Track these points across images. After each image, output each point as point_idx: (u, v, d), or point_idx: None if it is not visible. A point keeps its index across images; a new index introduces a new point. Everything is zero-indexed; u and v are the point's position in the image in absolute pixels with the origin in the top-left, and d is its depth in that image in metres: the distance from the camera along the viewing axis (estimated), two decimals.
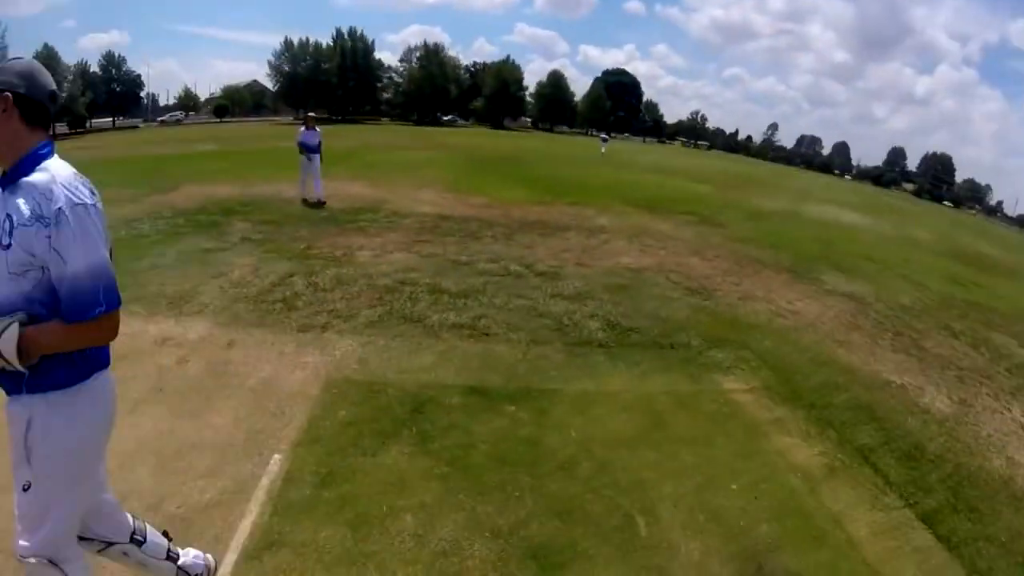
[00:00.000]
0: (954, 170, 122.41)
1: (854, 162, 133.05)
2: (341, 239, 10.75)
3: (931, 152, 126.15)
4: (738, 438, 5.36)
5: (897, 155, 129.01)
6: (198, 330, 6.69)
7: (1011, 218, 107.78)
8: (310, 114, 16.02)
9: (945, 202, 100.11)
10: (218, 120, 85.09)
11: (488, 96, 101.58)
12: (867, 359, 7.80)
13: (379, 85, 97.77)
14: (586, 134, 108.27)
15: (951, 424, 6.34)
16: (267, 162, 23.40)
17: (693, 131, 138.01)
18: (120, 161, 25.31)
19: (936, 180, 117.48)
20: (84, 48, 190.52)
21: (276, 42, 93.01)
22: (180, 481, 4.18)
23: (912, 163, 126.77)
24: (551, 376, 6.11)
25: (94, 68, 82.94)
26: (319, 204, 13.91)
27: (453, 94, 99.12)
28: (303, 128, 14.67)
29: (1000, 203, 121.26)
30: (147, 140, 42.20)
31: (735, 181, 36.87)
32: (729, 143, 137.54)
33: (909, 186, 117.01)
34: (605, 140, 53.77)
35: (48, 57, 66.61)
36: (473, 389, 5.66)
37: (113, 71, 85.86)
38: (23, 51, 69.51)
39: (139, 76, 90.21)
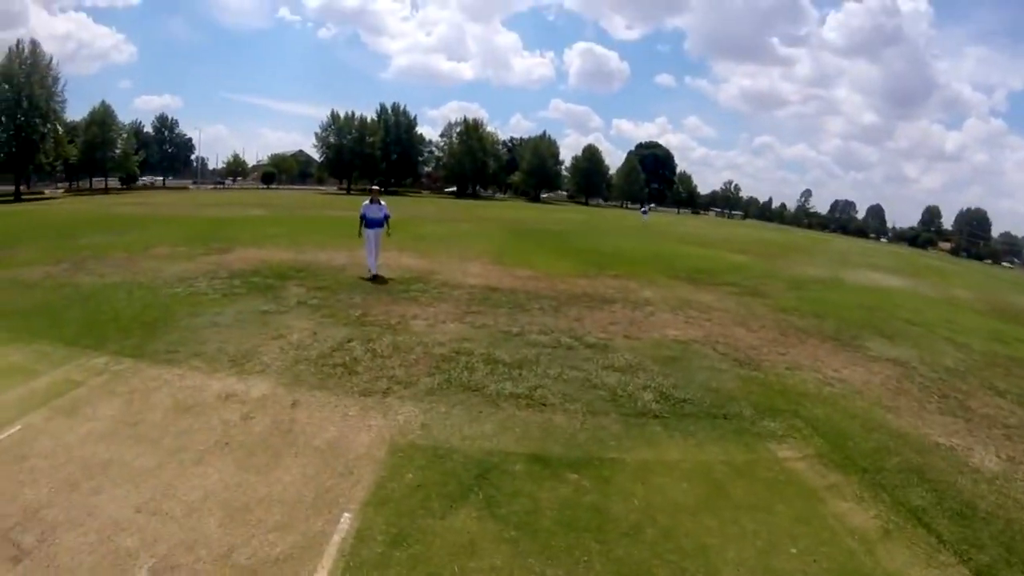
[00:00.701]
0: (989, 224, 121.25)
1: (889, 224, 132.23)
2: (395, 308, 11.12)
3: (965, 208, 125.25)
4: (795, 504, 5.46)
5: (932, 214, 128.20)
6: (261, 388, 7.05)
7: None
8: (374, 187, 15.97)
9: (1009, 263, 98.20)
10: (264, 186, 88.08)
11: (526, 170, 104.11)
12: (915, 423, 7.84)
13: (420, 159, 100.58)
14: (621, 206, 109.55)
15: (1001, 482, 6.36)
16: (317, 229, 24.26)
17: (727, 201, 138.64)
18: (174, 220, 26.68)
19: (972, 236, 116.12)
20: (138, 108, 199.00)
21: (323, 114, 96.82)
22: (250, 534, 4.43)
23: (947, 221, 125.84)
24: (610, 446, 6.26)
25: (147, 128, 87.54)
26: (373, 278, 13.92)
27: (492, 168, 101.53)
28: (367, 201, 14.53)
29: None
30: (196, 202, 43.86)
31: (773, 250, 36.88)
32: (763, 211, 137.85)
33: (946, 245, 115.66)
34: (645, 212, 55.29)
35: (105, 114, 70.41)
36: (536, 457, 5.85)
37: (165, 132, 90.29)
38: (81, 106, 73.06)
39: (190, 139, 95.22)
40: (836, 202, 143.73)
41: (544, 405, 7.12)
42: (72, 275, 12.41)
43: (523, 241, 26.48)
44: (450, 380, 7.65)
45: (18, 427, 5.70)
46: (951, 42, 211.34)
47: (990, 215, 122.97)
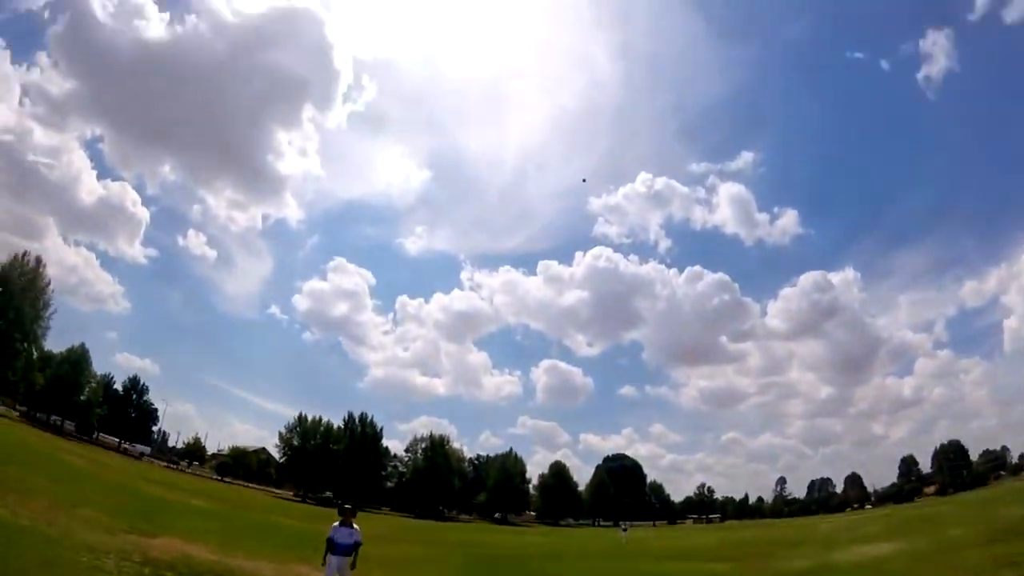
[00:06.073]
0: (966, 451, 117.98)
1: (870, 489, 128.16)
2: None
3: (939, 444, 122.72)
4: None
5: (908, 464, 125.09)
6: None
7: None
8: (347, 506, 12.96)
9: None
10: (218, 478, 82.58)
11: (491, 488, 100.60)
12: None
13: (384, 473, 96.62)
14: (593, 524, 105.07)
15: None
16: (255, 534, 22.40)
17: (702, 505, 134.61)
18: (114, 485, 25.30)
19: (953, 470, 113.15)
20: (117, 363, 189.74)
21: (293, 415, 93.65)
22: None
23: (925, 465, 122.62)
24: None
25: (117, 386, 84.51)
26: None
27: (456, 486, 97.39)
28: (336, 523, 12.30)
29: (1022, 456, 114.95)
30: (143, 475, 41.74)
31: (753, 549, 34.71)
32: (741, 509, 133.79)
33: (931, 488, 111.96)
34: (625, 530, 53.68)
35: (81, 356, 69.54)
36: None
37: (134, 396, 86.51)
38: (64, 337, 71.25)
39: (156, 409, 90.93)
40: (812, 482, 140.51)
41: None
42: None
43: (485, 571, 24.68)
44: None
45: None
46: (883, 296, 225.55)
47: (964, 442, 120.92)
